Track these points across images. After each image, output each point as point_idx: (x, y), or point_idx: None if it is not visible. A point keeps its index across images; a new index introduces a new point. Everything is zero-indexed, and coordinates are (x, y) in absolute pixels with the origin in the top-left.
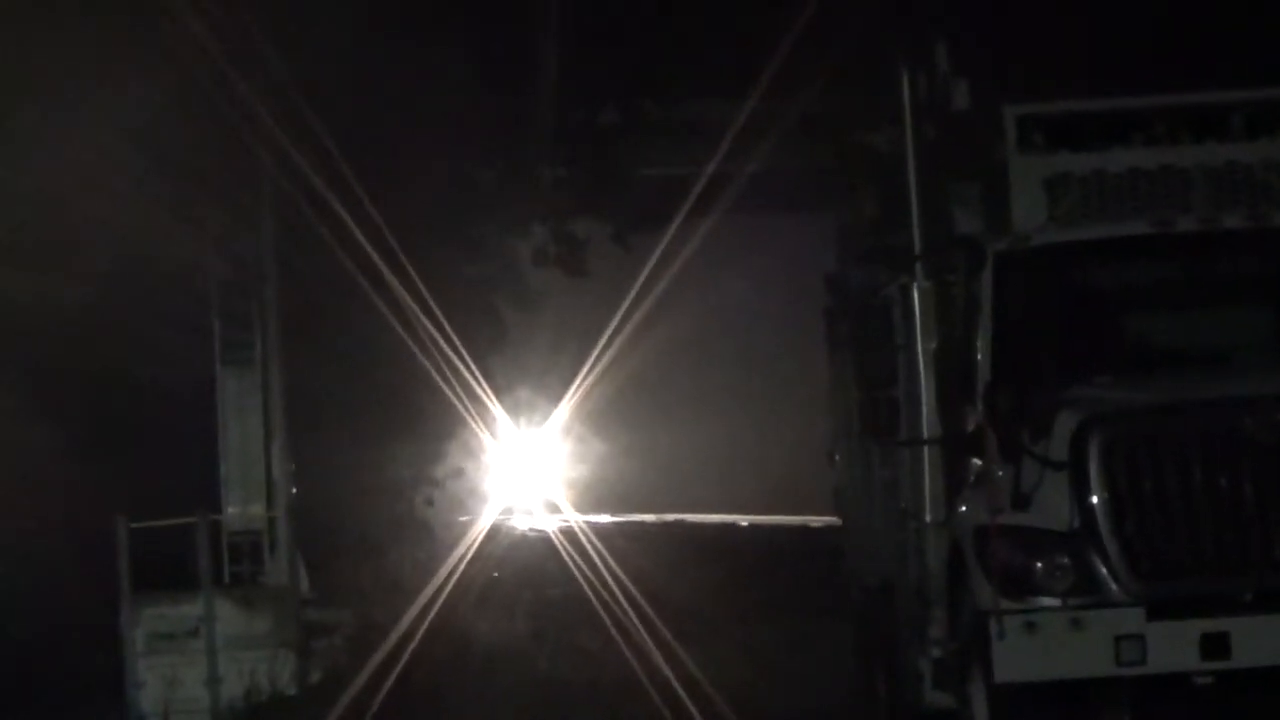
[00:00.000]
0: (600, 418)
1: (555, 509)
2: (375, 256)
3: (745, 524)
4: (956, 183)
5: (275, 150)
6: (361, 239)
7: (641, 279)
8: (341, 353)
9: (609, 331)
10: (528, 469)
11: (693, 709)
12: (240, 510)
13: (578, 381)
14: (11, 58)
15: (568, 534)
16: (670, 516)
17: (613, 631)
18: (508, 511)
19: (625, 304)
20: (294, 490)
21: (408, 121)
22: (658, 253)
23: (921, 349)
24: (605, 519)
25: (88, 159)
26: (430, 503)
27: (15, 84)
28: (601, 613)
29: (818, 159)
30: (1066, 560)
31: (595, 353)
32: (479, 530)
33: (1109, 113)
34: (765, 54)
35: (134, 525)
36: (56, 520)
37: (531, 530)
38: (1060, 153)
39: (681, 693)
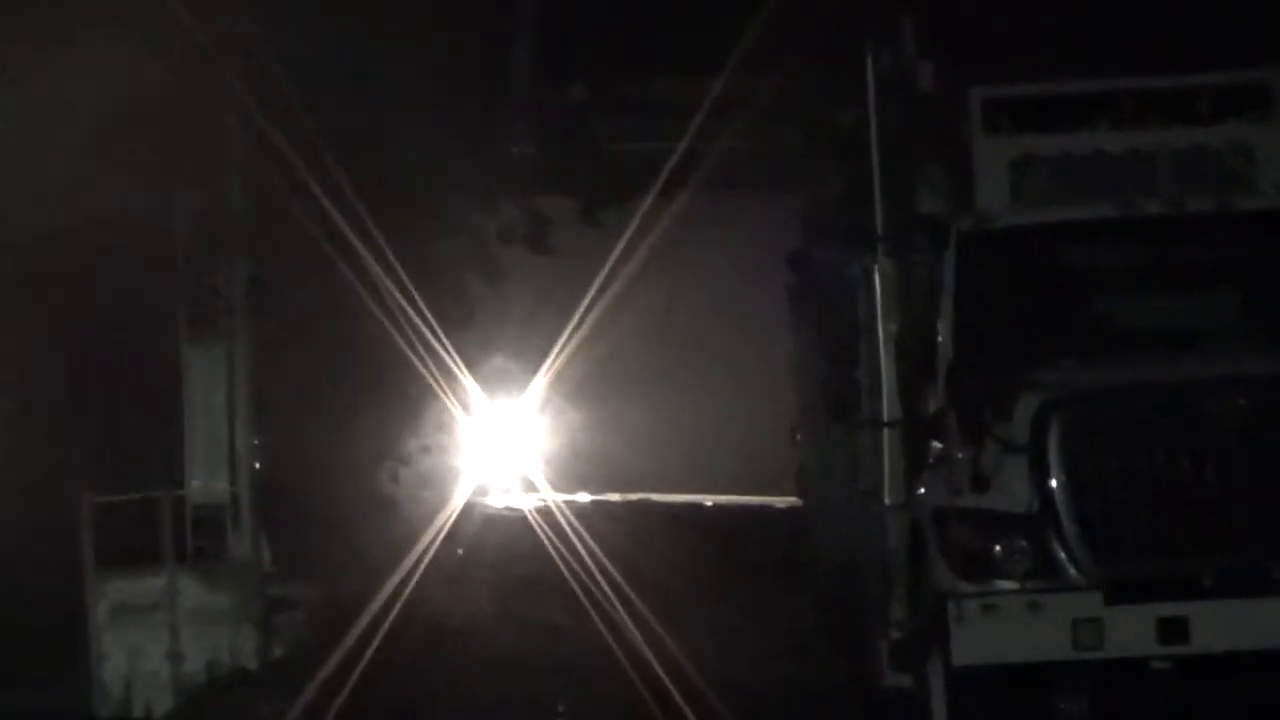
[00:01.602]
0: (570, 395)
1: (529, 487)
2: (343, 229)
3: (710, 503)
4: (921, 164)
5: (242, 117)
6: (329, 211)
7: (611, 257)
8: (309, 326)
9: (579, 309)
10: (500, 447)
11: (662, 684)
12: (204, 484)
13: (548, 359)
14: None
15: (542, 512)
16: (635, 495)
17: (583, 609)
18: (481, 490)
19: (594, 281)
20: (258, 465)
21: (377, 92)
22: (627, 230)
23: (883, 330)
24: (577, 497)
25: (50, 117)
26: (396, 479)
27: None
28: (573, 589)
29: (784, 138)
30: (1025, 543)
31: (566, 330)
32: (450, 508)
33: (1075, 95)
34: (734, 31)
35: (98, 500)
36: (20, 493)
37: (505, 508)
38: (1026, 135)
39: (649, 669)
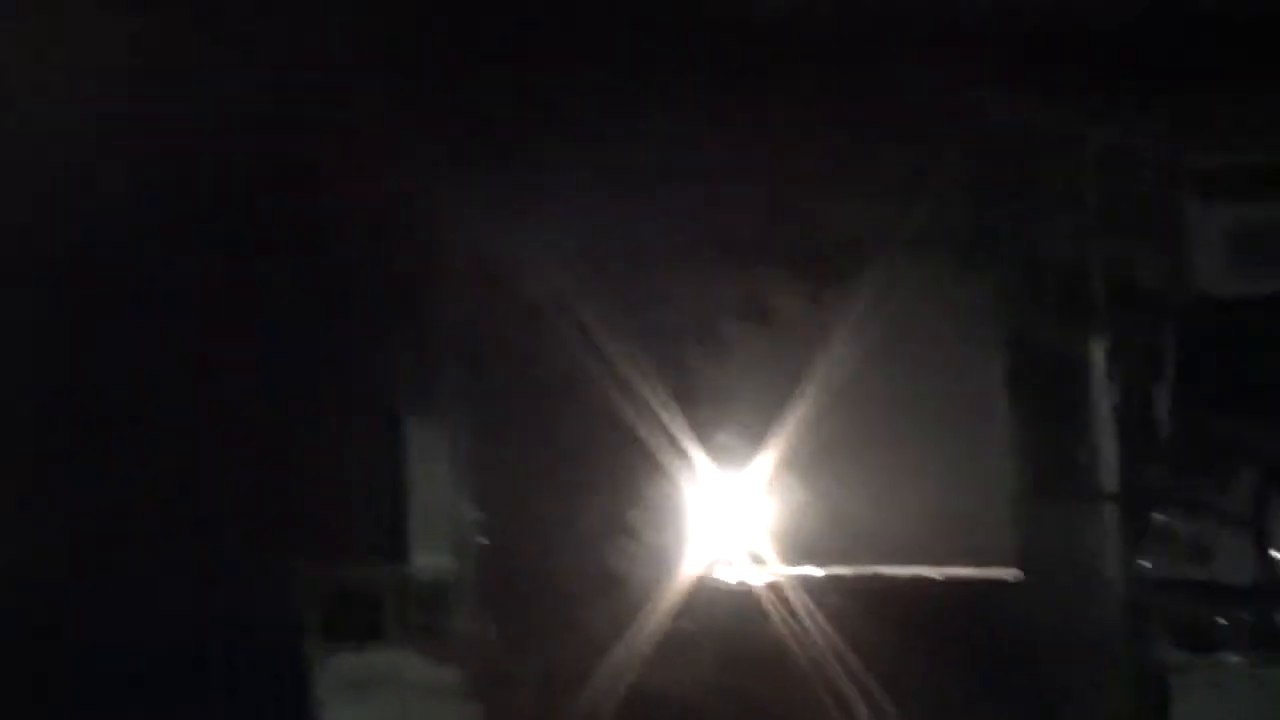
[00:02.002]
0: (796, 467)
1: (758, 560)
2: (562, 298)
3: (935, 577)
4: (1139, 236)
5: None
6: (549, 280)
7: (832, 329)
8: (532, 397)
9: (802, 380)
10: (727, 520)
11: None
12: (428, 560)
13: (773, 431)
14: None
15: (771, 587)
16: (866, 569)
17: (813, 690)
18: (708, 564)
19: (817, 353)
20: (481, 539)
21: (600, 163)
22: (848, 302)
23: (1104, 404)
24: (807, 570)
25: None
26: (621, 553)
27: None
28: (804, 669)
29: (1002, 212)
30: (1249, 616)
31: (790, 402)
32: (677, 582)
33: None
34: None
35: (318, 575)
36: (238, 565)
37: (734, 583)
38: (1244, 204)
39: None
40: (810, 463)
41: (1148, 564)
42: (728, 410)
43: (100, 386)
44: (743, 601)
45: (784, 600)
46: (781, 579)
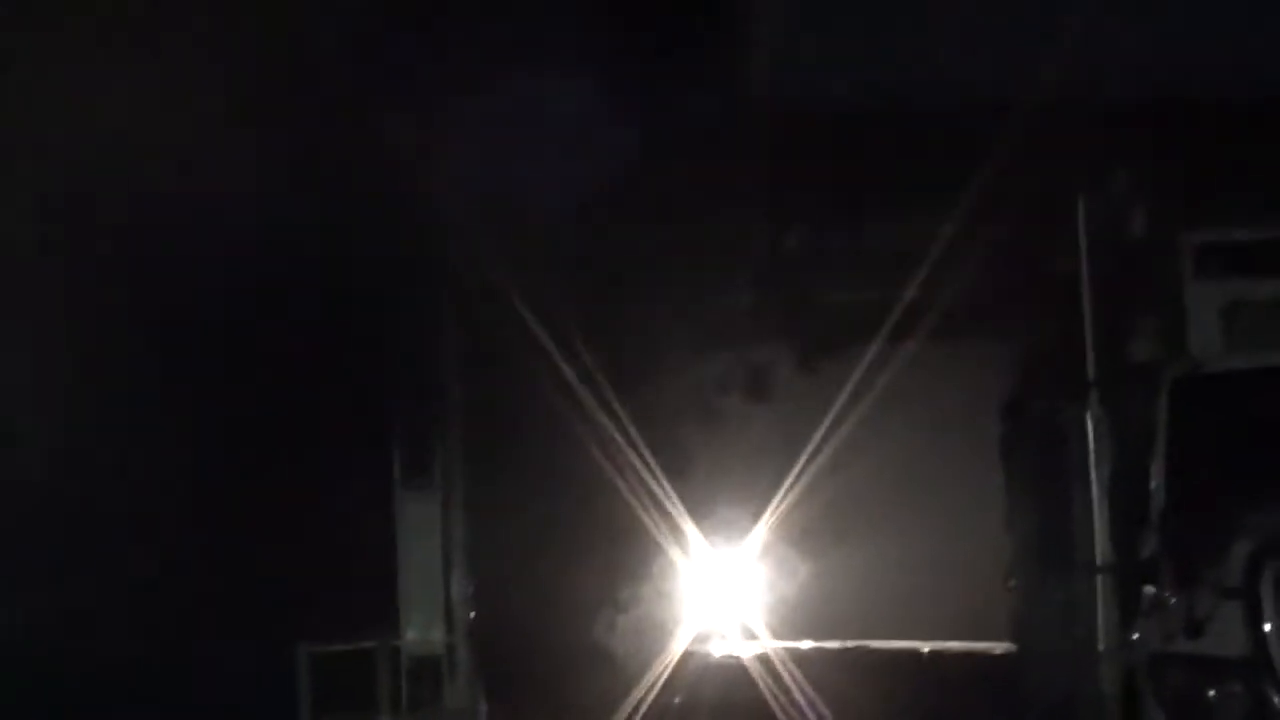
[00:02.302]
0: (789, 541)
1: (748, 634)
2: (558, 374)
3: (926, 650)
4: (1134, 310)
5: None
6: (544, 357)
7: (827, 405)
8: (525, 471)
9: (796, 456)
10: (719, 594)
11: None
12: (419, 633)
13: (767, 506)
14: None
15: (761, 660)
16: (853, 643)
17: None
18: (699, 638)
19: (811, 429)
20: (473, 614)
21: (594, 241)
22: (843, 378)
23: (1096, 476)
24: (797, 644)
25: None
26: (613, 627)
27: None
28: None
29: (997, 286)
30: (1241, 689)
31: (783, 477)
32: (668, 656)
33: None
34: (947, 180)
35: (313, 649)
36: (235, 641)
37: (724, 657)
38: (1238, 279)
39: None
40: (802, 537)
41: (1140, 637)
42: (721, 485)
43: (100, 466)
44: (733, 674)
45: (774, 673)
46: (772, 652)
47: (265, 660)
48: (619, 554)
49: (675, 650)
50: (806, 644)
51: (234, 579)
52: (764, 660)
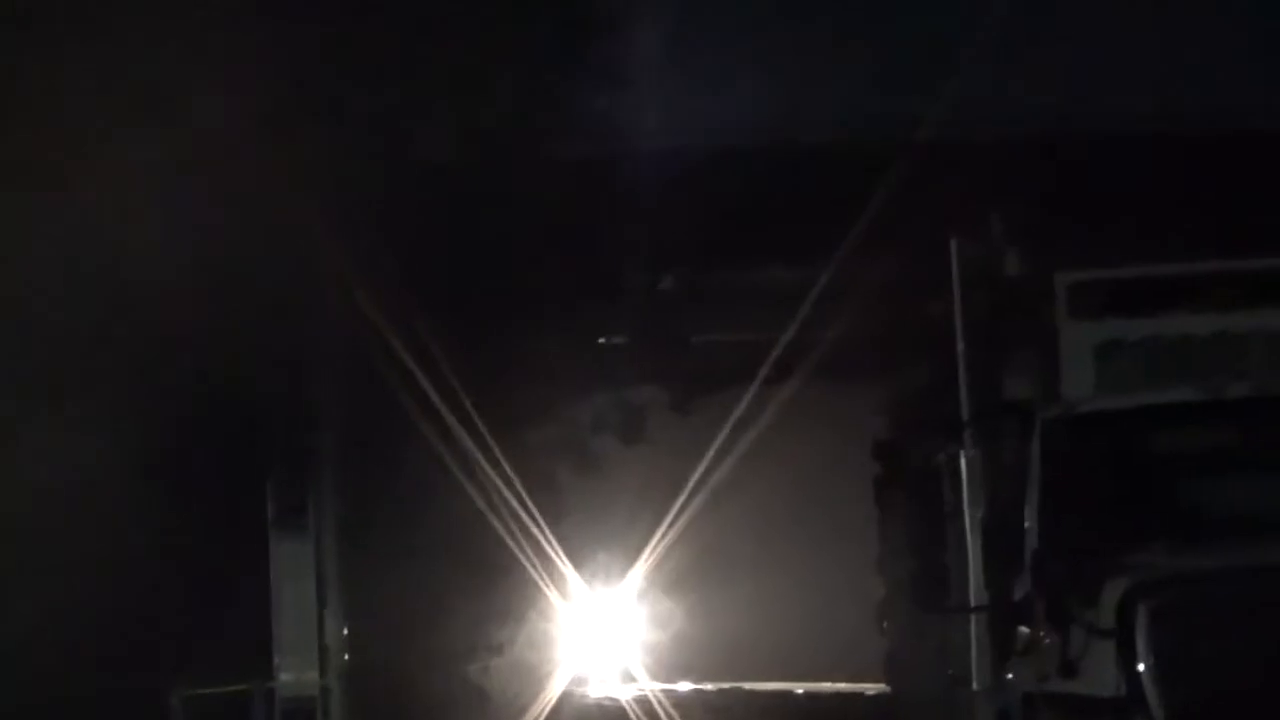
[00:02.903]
0: (664, 583)
1: (627, 676)
2: (432, 416)
3: (800, 691)
4: (1007, 350)
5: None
6: (418, 397)
7: (702, 446)
8: (400, 512)
9: (672, 498)
10: (594, 637)
11: None
12: (294, 676)
13: (642, 547)
14: None
15: (640, 702)
16: (728, 684)
17: None
18: (578, 680)
19: (686, 470)
20: (347, 656)
21: (468, 277)
22: (718, 420)
23: (970, 516)
24: (673, 686)
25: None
26: (488, 670)
27: None
28: None
29: (870, 327)
30: None
31: (659, 519)
32: (545, 698)
33: (1162, 279)
34: (821, 221)
35: (188, 692)
36: (108, 685)
37: (603, 699)
38: (1112, 319)
39: None
40: (678, 579)
41: (1014, 677)
42: (597, 528)
43: None
44: (611, 716)
45: (651, 714)
46: (649, 693)
47: (139, 703)
48: (495, 596)
49: (553, 692)
50: (684, 686)
51: (108, 621)
52: (641, 702)
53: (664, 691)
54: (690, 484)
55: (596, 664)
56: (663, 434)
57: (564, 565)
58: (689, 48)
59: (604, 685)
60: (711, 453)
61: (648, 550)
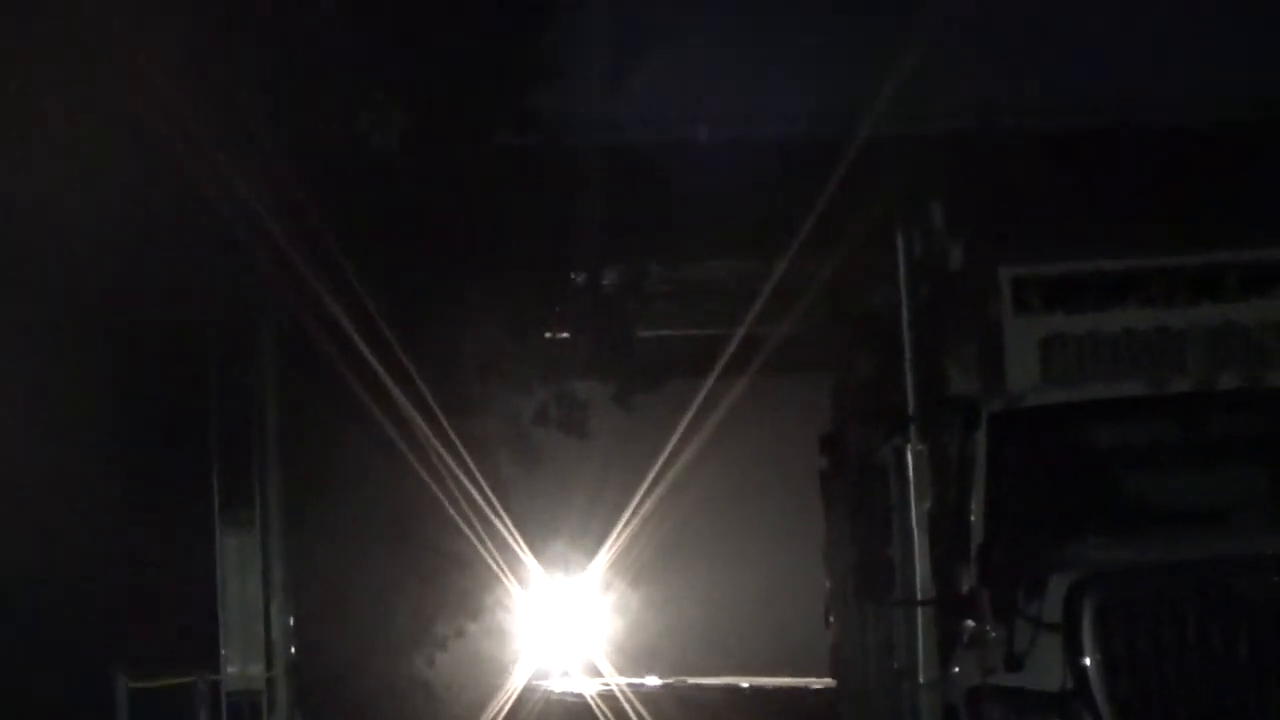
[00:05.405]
0: (603, 579)
1: (585, 670)
2: (378, 406)
3: (746, 685)
4: (951, 343)
5: (279, 288)
6: (364, 388)
7: (643, 440)
8: (345, 504)
9: (612, 492)
10: (553, 628)
11: None
12: (239, 669)
13: (580, 542)
14: None
15: (604, 697)
16: (673, 679)
17: None
18: (539, 674)
19: (628, 464)
20: (293, 649)
21: (416, 271)
22: (659, 414)
23: (915, 509)
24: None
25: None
26: (432, 663)
27: None
28: None
29: (815, 320)
30: None
31: (598, 513)
32: (506, 693)
33: (1104, 274)
34: (765, 215)
35: (133, 685)
36: (53, 678)
37: (563, 693)
38: (1055, 313)
39: None
40: (624, 573)
41: (959, 670)
42: (543, 522)
43: None
44: (569, 711)
45: (613, 709)
46: (609, 687)
47: (84, 693)
48: (442, 587)
49: (511, 685)
50: (626, 681)
51: (53, 611)
52: (605, 696)
53: (620, 686)
54: (635, 478)
55: (550, 659)
56: (607, 427)
57: (509, 561)
58: (639, 40)
59: (562, 679)
60: (657, 446)
61: (596, 546)
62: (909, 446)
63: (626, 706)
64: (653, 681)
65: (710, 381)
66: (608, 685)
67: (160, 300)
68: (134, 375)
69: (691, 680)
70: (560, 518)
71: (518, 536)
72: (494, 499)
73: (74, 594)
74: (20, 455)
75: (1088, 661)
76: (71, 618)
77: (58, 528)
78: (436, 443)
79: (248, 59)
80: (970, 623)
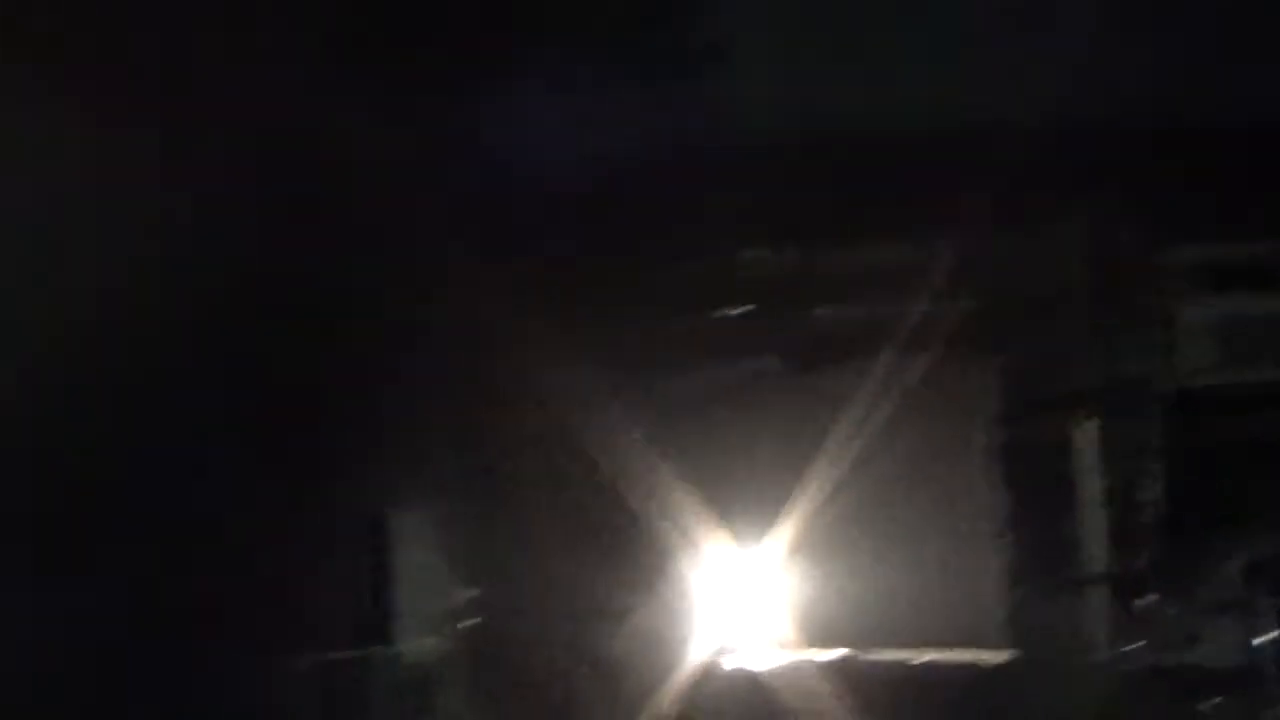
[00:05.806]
0: (788, 554)
1: (764, 644)
2: (556, 380)
3: (917, 661)
4: (1126, 324)
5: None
6: (542, 354)
7: (822, 419)
8: (525, 479)
9: (794, 468)
10: (734, 602)
11: None
12: (415, 642)
13: (765, 518)
14: None
15: (779, 674)
16: (847, 652)
17: None
18: (717, 650)
19: (807, 441)
20: (471, 621)
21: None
22: (839, 391)
23: (1090, 489)
24: (805, 656)
25: None
26: (616, 637)
27: None
28: None
29: (990, 300)
30: (1237, 700)
31: (782, 489)
32: (679, 668)
33: None
34: (937, 196)
35: (306, 663)
36: (229, 656)
37: (739, 669)
38: (1233, 294)
39: None
40: (804, 548)
41: (1136, 648)
42: (728, 493)
43: (81, 484)
44: (746, 687)
45: (787, 685)
46: (786, 664)
47: (256, 679)
48: (627, 562)
49: (686, 662)
50: (807, 655)
51: (224, 597)
52: (780, 673)
53: (796, 661)
54: (817, 452)
55: (730, 633)
56: (782, 405)
57: (696, 533)
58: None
59: (738, 655)
60: (838, 423)
61: (769, 519)
62: (1086, 425)
63: (804, 682)
64: (829, 655)
65: (888, 360)
66: (784, 660)
67: (332, 278)
68: (300, 355)
69: (864, 656)
70: (738, 494)
71: (696, 511)
72: (679, 471)
73: (244, 573)
74: (182, 433)
75: (1263, 640)
76: (241, 597)
77: (225, 503)
78: (615, 415)
79: None
80: (1146, 600)
